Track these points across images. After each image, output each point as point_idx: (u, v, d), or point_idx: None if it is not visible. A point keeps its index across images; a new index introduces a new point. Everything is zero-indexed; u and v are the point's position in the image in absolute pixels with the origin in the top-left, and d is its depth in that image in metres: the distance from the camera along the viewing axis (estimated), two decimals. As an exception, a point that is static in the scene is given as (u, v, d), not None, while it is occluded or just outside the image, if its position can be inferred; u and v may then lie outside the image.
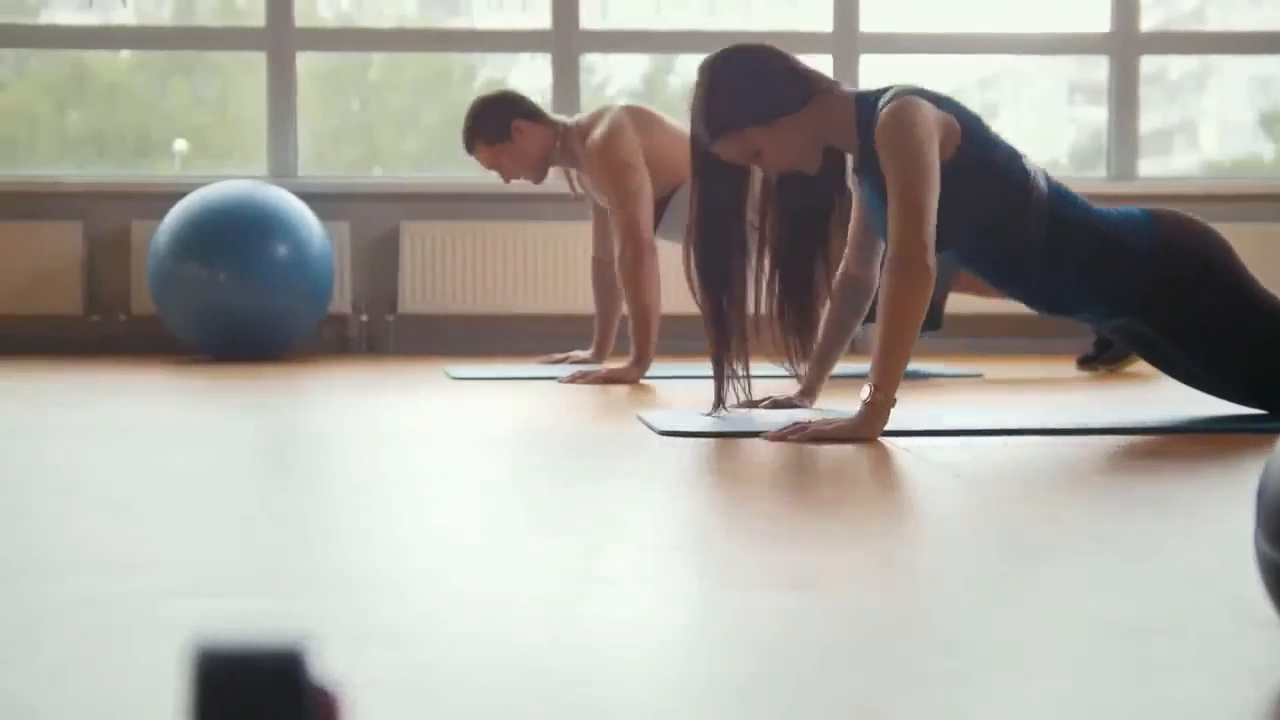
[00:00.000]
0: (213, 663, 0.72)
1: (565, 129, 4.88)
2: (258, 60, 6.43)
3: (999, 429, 3.05)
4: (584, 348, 5.34)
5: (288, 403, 3.92)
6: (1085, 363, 5.00)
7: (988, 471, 2.51)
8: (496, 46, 6.92)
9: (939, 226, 2.98)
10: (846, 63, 6.43)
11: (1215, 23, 7.26)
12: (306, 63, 6.55)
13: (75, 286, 6.09)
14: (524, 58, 6.69)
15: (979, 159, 3.08)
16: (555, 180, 5.47)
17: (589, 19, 6.55)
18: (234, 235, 5.49)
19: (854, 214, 3.33)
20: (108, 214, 6.18)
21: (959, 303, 5.01)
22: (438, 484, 2.45)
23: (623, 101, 4.93)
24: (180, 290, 5.51)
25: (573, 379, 4.53)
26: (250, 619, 1.46)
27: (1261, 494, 1.26)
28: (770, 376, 3.38)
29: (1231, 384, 3.23)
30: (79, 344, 6.07)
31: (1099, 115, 6.91)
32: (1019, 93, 8.48)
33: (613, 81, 7.58)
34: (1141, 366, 4.64)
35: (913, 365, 5.16)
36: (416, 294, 6.21)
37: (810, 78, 3.18)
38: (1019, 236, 3.12)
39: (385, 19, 7.24)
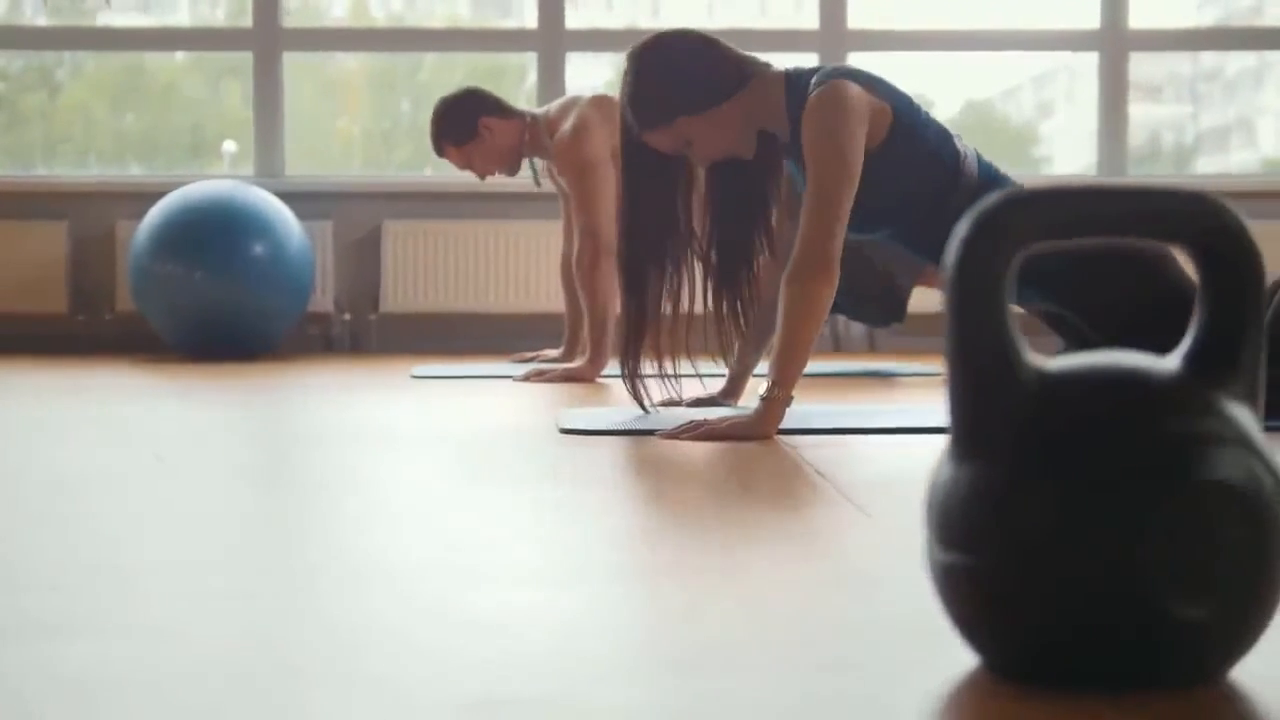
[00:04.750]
0: None
1: (533, 120, 4.89)
2: (312, 61, 6.44)
3: (893, 428, 3.03)
4: (560, 346, 5.33)
5: (233, 403, 3.94)
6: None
7: (852, 470, 2.50)
8: (481, 46, 6.93)
9: (871, 208, 2.94)
10: (833, 61, 6.39)
11: (1273, 19, 7.16)
12: (359, 64, 6.56)
13: (60, 285, 6.15)
14: (573, 56, 6.61)
15: (910, 141, 3.05)
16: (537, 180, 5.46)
17: (641, 16, 6.54)
18: (210, 234, 5.53)
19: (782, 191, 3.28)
20: (93, 213, 6.23)
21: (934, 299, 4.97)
22: (352, 484, 2.46)
23: (591, 93, 4.93)
24: (158, 289, 5.55)
25: (527, 377, 4.53)
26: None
27: (929, 503, 1.25)
28: (690, 375, 3.34)
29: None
30: (64, 343, 6.11)
31: (1156, 113, 6.81)
32: (1074, 90, 8.42)
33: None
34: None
35: (876, 365, 5.15)
36: (398, 293, 6.23)
37: (742, 62, 3.13)
38: (948, 216, 3.08)
39: (435, 19, 7.30)
